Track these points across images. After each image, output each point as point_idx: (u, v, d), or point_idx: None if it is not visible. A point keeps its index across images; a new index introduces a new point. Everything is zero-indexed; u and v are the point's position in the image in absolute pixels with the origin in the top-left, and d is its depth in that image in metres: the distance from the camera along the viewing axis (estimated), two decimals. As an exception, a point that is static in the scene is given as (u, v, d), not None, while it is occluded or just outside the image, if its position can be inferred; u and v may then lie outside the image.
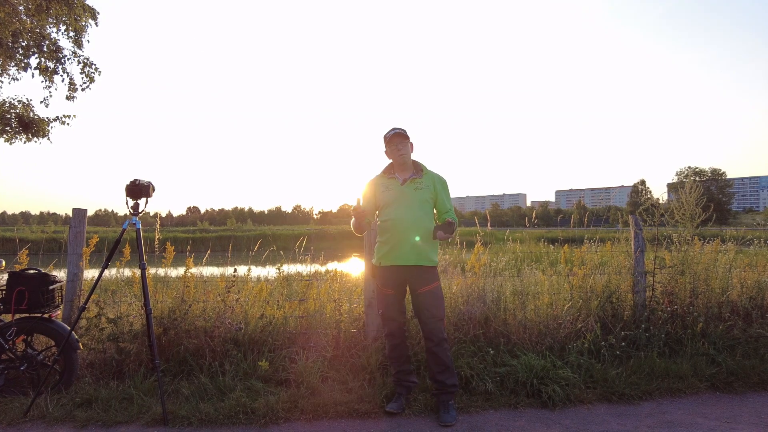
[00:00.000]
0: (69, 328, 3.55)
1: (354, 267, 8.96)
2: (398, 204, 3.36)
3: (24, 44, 9.65)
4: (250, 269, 5.13)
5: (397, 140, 3.41)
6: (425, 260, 3.33)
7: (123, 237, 3.56)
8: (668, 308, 4.45)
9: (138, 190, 3.48)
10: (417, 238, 3.27)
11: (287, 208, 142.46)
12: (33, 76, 10.03)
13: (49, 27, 9.83)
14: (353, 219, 3.40)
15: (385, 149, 3.49)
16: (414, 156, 3.53)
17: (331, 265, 6.69)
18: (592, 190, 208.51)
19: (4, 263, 3.85)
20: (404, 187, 3.39)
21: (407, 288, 3.45)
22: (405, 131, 3.43)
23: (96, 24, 10.29)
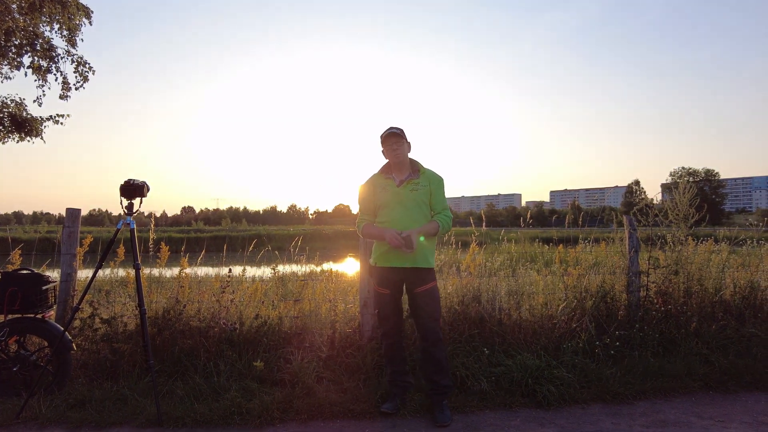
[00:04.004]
0: (62, 328, 3.52)
1: (349, 267, 8.97)
2: (394, 206, 3.33)
3: (17, 43, 9.57)
4: (245, 269, 5.12)
5: (392, 140, 3.36)
6: (422, 262, 3.31)
7: (117, 237, 3.54)
8: (662, 308, 4.48)
9: (132, 189, 3.46)
10: (421, 238, 3.27)
11: (282, 207, 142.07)
12: (26, 74, 9.95)
13: (43, 26, 9.76)
14: (371, 230, 3.39)
15: (382, 149, 3.47)
16: (411, 155, 3.51)
17: (327, 266, 6.70)
18: (587, 190, 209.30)
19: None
20: (401, 189, 3.35)
21: (403, 288, 3.45)
22: (401, 130, 3.38)
23: (90, 23, 10.23)
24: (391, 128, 3.40)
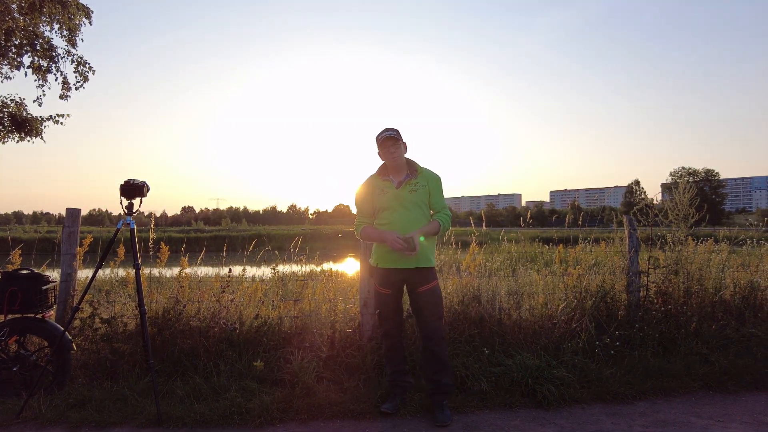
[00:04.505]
0: (62, 328, 3.52)
1: (349, 267, 8.96)
2: (394, 207, 3.33)
3: (17, 43, 9.57)
4: (244, 269, 5.12)
5: (389, 143, 3.34)
6: (424, 262, 3.32)
7: (117, 237, 3.54)
8: (662, 308, 4.48)
9: (132, 189, 3.46)
10: (421, 238, 3.27)
11: (282, 207, 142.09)
12: (26, 74, 9.94)
13: (43, 25, 9.75)
14: (371, 233, 3.38)
15: (377, 150, 3.44)
16: (408, 155, 3.50)
17: (327, 265, 6.70)
18: (587, 190, 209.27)
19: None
20: (400, 190, 3.34)
21: (404, 287, 3.45)
22: (397, 133, 3.36)
23: (90, 23, 10.23)
24: (386, 131, 3.37)
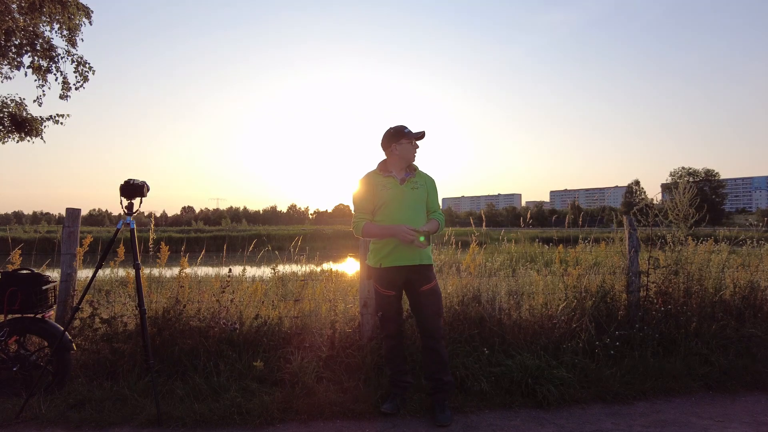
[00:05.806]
0: (62, 328, 3.52)
1: (349, 267, 8.97)
2: (397, 203, 3.33)
3: (17, 43, 9.56)
4: (244, 269, 5.12)
5: (418, 141, 3.45)
6: (427, 259, 3.35)
7: (117, 237, 3.54)
8: (662, 308, 4.48)
9: (132, 189, 3.46)
10: (421, 238, 3.26)
11: (282, 207, 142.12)
12: (26, 74, 9.93)
13: (43, 25, 9.75)
14: (374, 229, 3.33)
15: (398, 144, 3.38)
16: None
17: (327, 265, 6.71)
18: (587, 190, 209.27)
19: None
20: (403, 187, 3.37)
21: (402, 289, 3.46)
22: None
23: (90, 23, 10.23)
24: (404, 127, 3.44)
